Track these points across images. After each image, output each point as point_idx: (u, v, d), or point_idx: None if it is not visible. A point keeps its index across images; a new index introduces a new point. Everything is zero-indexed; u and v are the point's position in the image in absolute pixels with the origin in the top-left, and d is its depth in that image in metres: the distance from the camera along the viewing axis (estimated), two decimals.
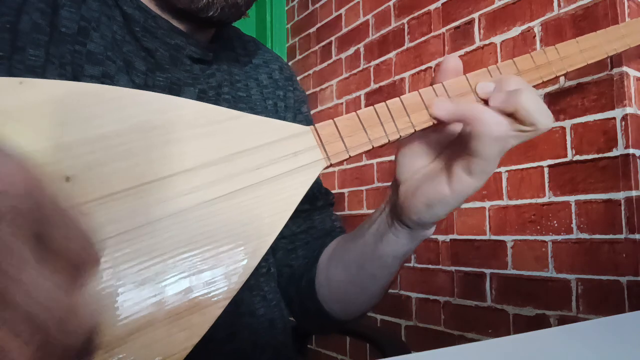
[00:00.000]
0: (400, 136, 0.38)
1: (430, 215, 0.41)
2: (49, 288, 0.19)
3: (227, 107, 0.34)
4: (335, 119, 0.36)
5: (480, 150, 0.36)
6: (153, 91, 0.31)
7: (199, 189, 0.29)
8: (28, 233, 0.18)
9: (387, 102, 0.38)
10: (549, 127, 0.36)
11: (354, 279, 0.51)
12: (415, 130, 0.38)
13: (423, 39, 1.37)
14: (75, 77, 0.43)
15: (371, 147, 0.37)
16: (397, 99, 0.38)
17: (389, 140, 0.37)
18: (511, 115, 0.36)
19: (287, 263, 0.60)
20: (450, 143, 0.41)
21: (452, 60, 0.40)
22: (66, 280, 0.20)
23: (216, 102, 0.53)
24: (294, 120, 0.63)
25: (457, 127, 0.41)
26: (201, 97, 0.51)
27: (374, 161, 1.51)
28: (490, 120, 0.35)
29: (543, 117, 0.36)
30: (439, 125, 0.39)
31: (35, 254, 0.19)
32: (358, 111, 0.37)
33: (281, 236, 0.60)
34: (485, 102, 0.39)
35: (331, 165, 0.35)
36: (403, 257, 0.48)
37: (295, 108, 0.64)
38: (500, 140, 0.36)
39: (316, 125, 0.35)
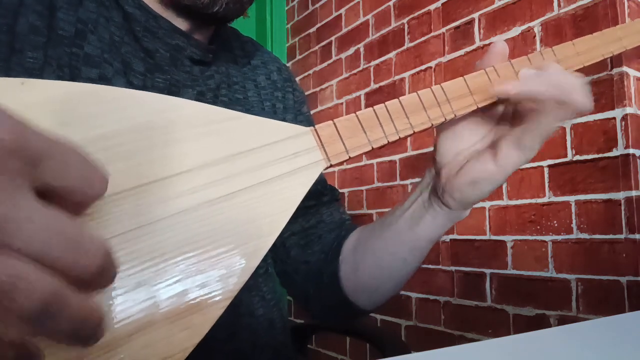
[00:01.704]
0: (400, 137, 0.38)
1: (474, 193, 0.43)
2: (55, 220, 0.19)
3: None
4: (334, 120, 0.36)
5: (543, 124, 0.39)
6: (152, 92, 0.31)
7: (199, 189, 0.29)
8: (21, 175, 0.18)
9: (386, 103, 0.38)
10: (588, 107, 0.40)
11: (385, 266, 0.52)
12: (414, 132, 0.39)
13: (423, 39, 1.37)
14: (73, 80, 0.43)
15: (371, 148, 0.37)
16: (396, 100, 0.38)
17: (388, 142, 0.38)
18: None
19: (304, 260, 0.60)
20: (495, 125, 0.44)
21: (501, 45, 0.43)
22: (74, 209, 0.20)
23: (213, 104, 0.53)
24: (295, 120, 0.63)
25: (499, 110, 0.44)
26: (199, 99, 0.51)
27: (374, 161, 1.51)
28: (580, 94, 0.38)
29: (582, 97, 0.39)
30: (485, 107, 0.42)
31: (35, 190, 0.19)
32: (357, 112, 0.37)
33: (291, 233, 0.60)
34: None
35: (331, 166, 0.35)
36: (435, 241, 0.50)
37: (295, 109, 0.64)
38: (554, 118, 0.39)
39: (316, 126, 0.35)
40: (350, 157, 0.36)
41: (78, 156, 0.21)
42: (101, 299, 0.24)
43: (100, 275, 0.21)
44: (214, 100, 0.53)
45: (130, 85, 0.47)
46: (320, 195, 0.62)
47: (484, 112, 0.43)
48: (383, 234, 0.52)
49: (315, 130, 0.35)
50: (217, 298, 0.28)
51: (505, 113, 0.43)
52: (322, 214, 0.62)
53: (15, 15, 0.42)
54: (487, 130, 0.44)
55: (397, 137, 0.38)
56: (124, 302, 0.25)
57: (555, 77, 0.39)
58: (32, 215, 0.18)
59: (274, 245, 0.59)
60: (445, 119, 0.40)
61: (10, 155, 0.18)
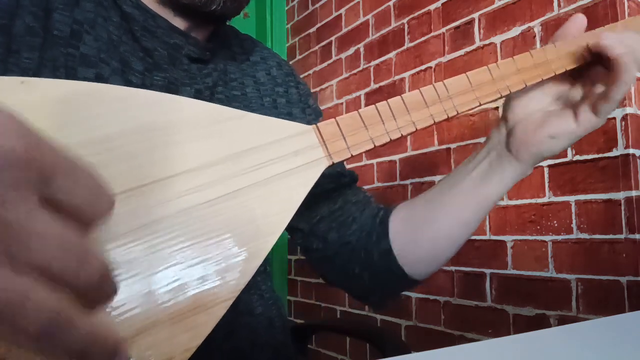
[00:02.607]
0: (402, 134, 0.38)
1: (551, 147, 0.47)
2: (61, 235, 0.18)
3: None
4: (337, 118, 0.36)
5: (618, 94, 0.43)
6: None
7: (201, 188, 0.29)
8: (30, 184, 0.18)
9: (388, 100, 0.38)
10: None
11: (447, 232, 0.54)
12: (416, 129, 0.39)
13: (423, 39, 1.37)
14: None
15: (373, 146, 0.37)
16: (399, 97, 0.38)
17: (390, 139, 0.38)
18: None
19: (345, 241, 0.60)
20: (568, 88, 0.48)
21: (581, 19, 0.48)
22: (78, 226, 0.20)
23: (210, 102, 0.53)
24: (303, 114, 0.63)
25: (582, 72, 0.47)
26: (197, 96, 0.51)
27: (374, 161, 1.51)
28: (628, 58, 0.42)
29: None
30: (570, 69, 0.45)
31: (43, 202, 0.18)
32: (360, 110, 0.37)
33: (320, 217, 0.60)
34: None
35: (333, 164, 0.35)
36: (498, 201, 0.53)
37: (302, 102, 0.64)
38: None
39: (318, 124, 0.35)
40: (352, 155, 0.36)
41: (88, 176, 0.21)
42: (109, 318, 0.24)
43: (100, 290, 0.21)
44: (211, 98, 0.54)
45: (129, 83, 0.47)
46: (341, 176, 0.62)
47: (558, 77, 0.46)
48: (445, 199, 0.53)
49: (317, 128, 0.35)
50: (220, 297, 0.28)
51: (578, 76, 0.47)
52: (346, 195, 0.62)
53: (12, 17, 0.42)
54: (559, 92, 0.48)
55: (400, 135, 0.38)
56: (126, 304, 0.25)
57: (631, 40, 0.43)
58: (43, 228, 0.18)
59: (304, 234, 0.60)
60: (448, 115, 0.40)
61: (22, 167, 0.18)
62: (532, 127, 0.48)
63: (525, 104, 0.49)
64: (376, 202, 0.63)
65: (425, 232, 0.55)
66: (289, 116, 0.61)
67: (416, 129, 0.39)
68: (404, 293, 1.37)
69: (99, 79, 0.45)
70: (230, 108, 0.33)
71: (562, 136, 0.47)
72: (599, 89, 0.45)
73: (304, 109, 0.64)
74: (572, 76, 0.48)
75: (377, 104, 0.38)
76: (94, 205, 0.21)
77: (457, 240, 0.55)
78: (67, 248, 0.19)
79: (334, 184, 0.61)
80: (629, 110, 0.92)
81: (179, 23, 0.51)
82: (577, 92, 0.48)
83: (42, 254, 0.18)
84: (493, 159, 0.50)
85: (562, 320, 0.99)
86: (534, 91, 0.48)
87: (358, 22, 1.63)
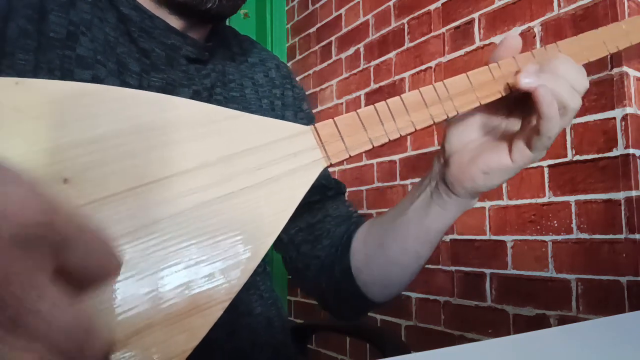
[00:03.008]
0: (401, 135, 0.38)
1: (485, 183, 0.44)
2: (69, 314, 0.18)
3: None
4: (335, 119, 0.36)
5: (547, 129, 0.39)
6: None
7: (199, 189, 0.29)
8: (46, 259, 0.18)
9: (387, 100, 0.38)
10: (575, 107, 0.41)
11: (396, 259, 0.52)
12: (415, 129, 0.38)
13: (423, 39, 1.37)
14: None
15: (371, 147, 0.37)
16: (398, 97, 0.38)
17: (389, 140, 0.37)
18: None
19: (315, 254, 0.60)
20: (508, 117, 0.44)
21: (515, 39, 0.44)
22: (86, 298, 0.20)
23: (208, 103, 0.53)
24: (296, 118, 0.63)
25: (513, 103, 0.44)
26: (195, 97, 0.51)
27: (374, 161, 1.51)
28: (546, 92, 0.38)
29: (572, 100, 0.40)
30: (497, 100, 0.42)
31: (54, 279, 0.18)
32: (358, 110, 0.37)
33: (298, 229, 0.60)
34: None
35: (331, 165, 0.35)
36: (444, 232, 0.50)
37: (295, 106, 0.64)
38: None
39: (316, 125, 0.35)
40: (350, 156, 0.36)
41: (101, 244, 0.20)
42: (108, 323, 0.24)
43: None
44: (209, 99, 0.53)
45: (125, 85, 0.47)
46: (325, 189, 0.62)
47: (495, 105, 0.43)
48: (392, 226, 0.52)
49: (315, 129, 0.35)
50: (217, 299, 0.27)
51: (516, 106, 0.44)
52: (328, 209, 0.61)
53: (5, 20, 0.42)
54: (498, 122, 0.45)
55: (399, 135, 0.38)
56: (123, 305, 0.25)
57: (552, 71, 0.40)
58: (54, 304, 0.17)
59: (282, 243, 0.60)
60: (448, 116, 0.39)
61: (39, 238, 0.17)
62: (465, 160, 0.44)
63: (461, 133, 0.45)
64: (359, 216, 0.62)
65: (377, 256, 0.54)
66: (283, 119, 0.61)
67: (415, 130, 0.38)
68: (404, 293, 1.37)
69: (95, 80, 0.45)
70: (227, 108, 0.33)
71: (495, 172, 0.43)
72: (533, 121, 0.40)
73: (296, 112, 0.64)
74: (508, 105, 0.44)
75: (375, 104, 0.37)
76: (103, 273, 0.21)
77: (408, 267, 0.53)
78: (73, 328, 0.18)
79: (319, 196, 0.61)
80: (629, 110, 0.91)
81: (176, 23, 0.51)
82: (513, 123, 0.44)
83: (49, 332, 0.17)
84: (433, 189, 0.47)
85: (562, 320, 0.99)
86: (469, 119, 0.45)
87: (358, 22, 1.63)
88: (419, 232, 0.49)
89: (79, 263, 0.19)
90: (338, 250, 0.57)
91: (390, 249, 0.52)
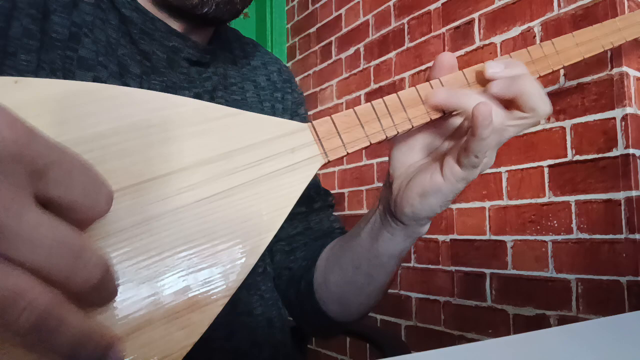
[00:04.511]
0: (398, 132, 0.38)
1: (424, 207, 0.41)
2: (54, 236, 0.18)
3: None
4: (332, 116, 0.36)
5: (473, 144, 0.36)
6: None
7: (197, 186, 0.29)
8: (25, 181, 0.18)
9: (384, 98, 0.38)
10: (548, 113, 0.37)
11: (351, 279, 0.51)
12: (412, 126, 0.38)
13: (423, 39, 1.37)
14: None
15: (369, 143, 0.37)
16: (394, 94, 0.38)
17: (386, 137, 0.37)
18: (511, 102, 0.38)
19: (287, 265, 0.60)
20: (447, 137, 0.42)
21: (447, 57, 0.41)
22: (75, 220, 0.20)
23: None
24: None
25: (454, 123, 0.42)
26: None
27: (374, 161, 1.51)
28: (485, 110, 0.35)
29: (543, 103, 0.37)
30: (437, 120, 0.40)
31: (36, 199, 0.18)
32: (355, 107, 0.37)
33: (278, 239, 0.60)
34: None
35: (329, 162, 0.35)
36: (399, 257, 0.48)
37: (292, 110, 0.64)
38: (497, 131, 0.36)
39: (314, 122, 0.35)
40: (348, 153, 0.36)
41: (85, 169, 0.20)
42: (106, 319, 0.24)
43: (100, 290, 0.20)
44: (210, 102, 0.53)
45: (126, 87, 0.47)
46: (312, 201, 0.62)
47: (436, 125, 0.41)
48: (348, 246, 0.51)
49: (313, 125, 0.35)
50: (216, 296, 0.27)
51: (460, 126, 0.41)
52: (310, 221, 0.61)
53: (8, 19, 0.42)
54: (439, 142, 0.42)
55: (396, 132, 0.38)
56: (122, 301, 0.25)
57: (462, 93, 0.38)
58: (35, 225, 0.18)
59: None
60: (444, 112, 0.40)
61: (13, 159, 0.17)
62: (405, 183, 0.41)
63: (403, 155, 0.42)
64: (342, 232, 0.62)
65: (333, 274, 0.53)
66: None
67: (412, 126, 0.39)
68: (404, 293, 1.37)
69: (96, 82, 0.45)
70: (225, 106, 0.33)
71: (430, 193, 0.39)
72: (465, 137, 0.38)
73: (292, 116, 0.64)
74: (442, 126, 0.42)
75: (372, 102, 0.38)
76: (91, 201, 0.20)
77: (363, 289, 0.51)
78: (64, 246, 0.18)
79: (304, 208, 0.61)
80: (629, 110, 0.91)
81: (177, 25, 0.51)
82: (448, 143, 0.42)
83: (33, 254, 0.17)
84: (382, 214, 0.45)
85: (562, 320, 0.98)
86: (412, 140, 0.42)
87: (358, 22, 1.63)
88: (369, 256, 0.48)
89: (63, 190, 0.19)
90: (308, 263, 0.57)
91: (346, 269, 0.51)
